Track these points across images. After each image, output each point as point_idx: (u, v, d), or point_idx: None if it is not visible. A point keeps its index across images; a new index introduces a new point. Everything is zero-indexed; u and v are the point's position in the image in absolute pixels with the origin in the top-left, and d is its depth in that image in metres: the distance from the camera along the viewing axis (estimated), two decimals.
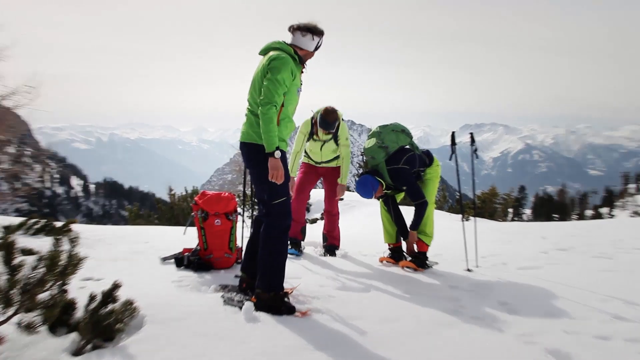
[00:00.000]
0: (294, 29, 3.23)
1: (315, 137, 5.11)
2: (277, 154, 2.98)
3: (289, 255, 4.88)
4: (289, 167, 5.26)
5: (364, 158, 19.84)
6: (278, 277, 3.09)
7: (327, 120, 4.89)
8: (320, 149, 5.16)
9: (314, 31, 3.19)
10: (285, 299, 3.09)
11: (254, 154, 3.14)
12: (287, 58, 3.08)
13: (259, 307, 3.01)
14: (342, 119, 5.12)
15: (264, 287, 3.05)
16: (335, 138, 5.11)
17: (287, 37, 3.27)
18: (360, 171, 20.69)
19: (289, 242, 5.13)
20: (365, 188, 4.56)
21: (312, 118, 5.09)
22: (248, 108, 3.23)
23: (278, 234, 3.11)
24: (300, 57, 3.23)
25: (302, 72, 3.30)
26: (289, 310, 3.00)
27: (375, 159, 4.67)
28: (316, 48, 3.23)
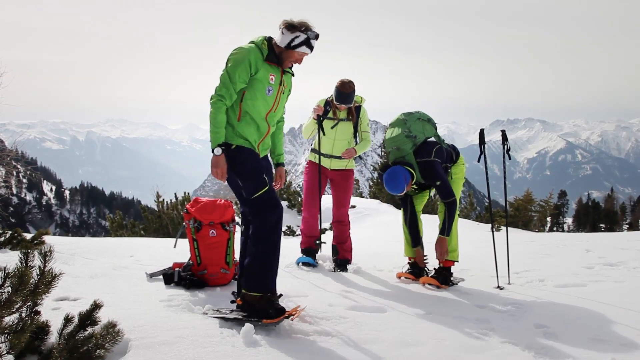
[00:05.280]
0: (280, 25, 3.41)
1: (330, 115, 5.17)
2: (217, 150, 3.24)
3: (302, 266, 5.18)
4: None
5: (382, 152, 19.71)
6: (268, 277, 3.24)
7: (343, 92, 4.95)
8: (335, 134, 5.17)
9: (289, 27, 3.30)
10: (274, 300, 3.22)
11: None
12: (249, 49, 3.26)
13: (244, 309, 3.17)
14: (363, 105, 5.24)
15: (250, 287, 3.20)
16: (356, 123, 5.17)
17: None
18: (375, 174, 20.59)
19: (303, 250, 5.37)
20: (396, 181, 4.44)
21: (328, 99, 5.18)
22: None
23: (267, 232, 3.23)
24: (276, 54, 3.35)
25: (285, 71, 3.43)
26: (278, 312, 3.13)
27: (401, 150, 4.64)
28: (292, 46, 3.30)
